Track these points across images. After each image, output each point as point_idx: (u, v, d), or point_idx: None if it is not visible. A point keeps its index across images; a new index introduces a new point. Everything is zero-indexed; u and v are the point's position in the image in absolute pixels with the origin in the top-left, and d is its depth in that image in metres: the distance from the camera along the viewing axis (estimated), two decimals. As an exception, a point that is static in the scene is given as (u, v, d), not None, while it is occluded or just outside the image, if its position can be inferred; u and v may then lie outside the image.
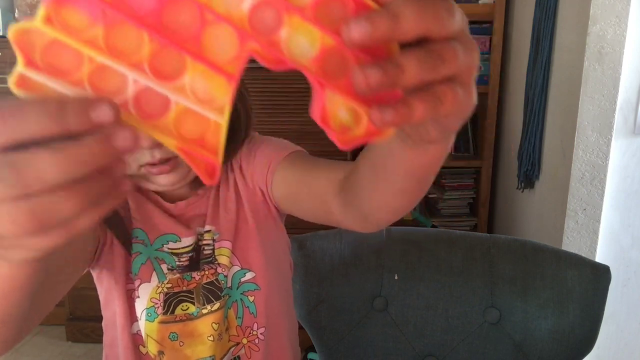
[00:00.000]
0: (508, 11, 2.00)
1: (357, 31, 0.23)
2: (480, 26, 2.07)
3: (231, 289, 0.66)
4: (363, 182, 0.47)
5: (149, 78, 0.25)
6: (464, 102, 0.27)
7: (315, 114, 0.26)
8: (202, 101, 0.26)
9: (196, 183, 0.65)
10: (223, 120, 0.26)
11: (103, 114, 0.23)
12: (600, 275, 0.85)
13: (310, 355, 1.77)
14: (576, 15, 1.45)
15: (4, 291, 0.32)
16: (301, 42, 0.25)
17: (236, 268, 0.66)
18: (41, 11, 0.23)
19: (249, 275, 0.67)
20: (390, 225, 0.95)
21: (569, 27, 1.50)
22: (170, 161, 0.58)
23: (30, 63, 0.24)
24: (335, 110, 0.27)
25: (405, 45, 0.25)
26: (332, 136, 0.27)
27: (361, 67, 0.24)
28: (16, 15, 2.38)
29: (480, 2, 2.06)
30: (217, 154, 0.27)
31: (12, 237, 0.24)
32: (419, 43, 0.25)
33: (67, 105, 0.22)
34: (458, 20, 0.25)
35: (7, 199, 0.22)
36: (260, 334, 0.68)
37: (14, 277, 0.31)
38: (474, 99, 0.29)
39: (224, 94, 0.26)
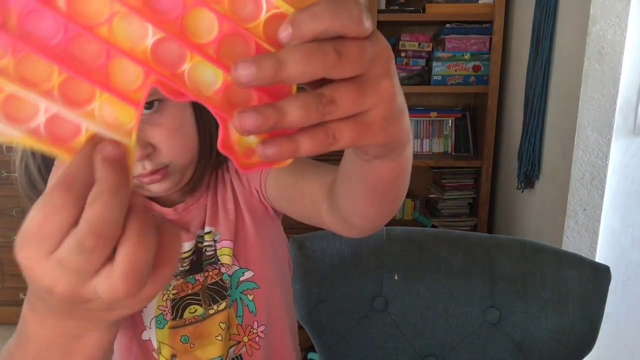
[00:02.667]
0: (508, 11, 2.00)
1: (244, 73, 0.24)
2: (480, 26, 2.07)
3: (231, 288, 0.66)
4: (339, 188, 0.48)
5: (60, 105, 0.26)
6: (377, 134, 0.28)
7: (219, 141, 0.28)
8: (110, 126, 0.27)
9: (192, 186, 0.65)
10: (131, 143, 0.28)
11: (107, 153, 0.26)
12: (600, 275, 0.85)
13: (310, 355, 1.77)
14: (576, 15, 1.45)
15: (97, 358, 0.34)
16: (205, 75, 0.27)
17: (235, 267, 0.67)
18: None
19: (247, 274, 0.67)
20: (390, 225, 0.95)
21: (569, 27, 1.50)
22: (160, 171, 0.57)
23: None
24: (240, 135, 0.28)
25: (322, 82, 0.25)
26: (235, 161, 0.28)
27: (240, 111, 0.24)
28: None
29: (480, 2, 2.06)
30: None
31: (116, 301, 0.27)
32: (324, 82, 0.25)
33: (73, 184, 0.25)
34: (362, 59, 0.25)
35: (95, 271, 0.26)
36: (261, 332, 0.68)
37: (105, 341, 0.33)
38: (400, 127, 0.29)
39: (130, 120, 0.27)
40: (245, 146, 0.28)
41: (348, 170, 0.42)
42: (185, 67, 0.26)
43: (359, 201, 0.45)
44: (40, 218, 0.25)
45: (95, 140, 0.27)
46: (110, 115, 0.27)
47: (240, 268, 0.67)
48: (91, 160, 0.26)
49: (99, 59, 0.26)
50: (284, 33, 0.24)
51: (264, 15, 0.26)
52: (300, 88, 0.27)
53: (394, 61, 0.28)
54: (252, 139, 0.28)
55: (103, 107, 0.27)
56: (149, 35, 0.26)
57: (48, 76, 0.26)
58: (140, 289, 0.26)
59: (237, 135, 0.28)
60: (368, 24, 0.25)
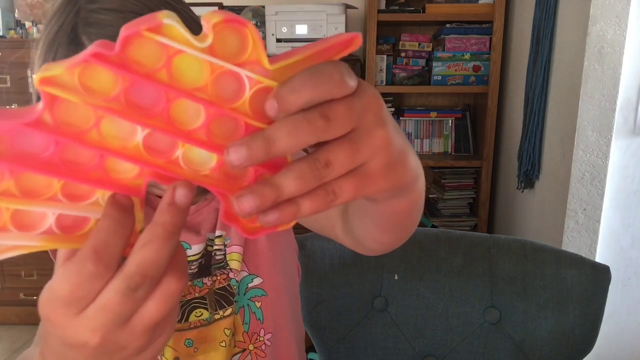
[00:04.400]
0: (508, 11, 2.00)
1: (235, 157, 0.24)
2: (480, 26, 2.07)
3: (238, 294, 0.66)
4: (352, 216, 0.48)
5: (65, 205, 0.27)
6: (378, 182, 0.28)
7: (221, 213, 0.28)
8: None
9: (204, 189, 0.65)
10: (139, 227, 0.29)
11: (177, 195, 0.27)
12: (600, 275, 0.85)
13: (310, 355, 1.77)
14: (576, 15, 1.45)
15: None
16: (200, 155, 0.27)
17: (244, 273, 0.66)
18: None
19: (256, 281, 0.67)
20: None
21: (569, 27, 1.50)
22: None
23: None
24: None
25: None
26: (240, 229, 0.29)
27: (237, 195, 0.25)
28: (16, 15, 2.38)
29: (480, 2, 2.06)
30: None
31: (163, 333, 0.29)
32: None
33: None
34: (350, 117, 0.25)
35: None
36: (267, 339, 0.68)
37: None
38: (404, 169, 0.29)
39: (135, 208, 0.28)
40: None
41: (360, 204, 0.42)
42: (179, 152, 0.27)
43: (372, 230, 0.45)
44: (71, 286, 0.26)
45: (116, 201, 0.27)
46: None
47: (250, 274, 0.66)
48: (119, 224, 0.26)
49: (93, 159, 0.27)
50: (270, 108, 0.25)
51: (248, 93, 0.26)
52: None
53: (385, 108, 0.28)
54: None
55: (106, 195, 0.28)
56: (138, 131, 0.26)
57: (48, 184, 0.27)
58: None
59: None
60: (352, 83, 0.25)
